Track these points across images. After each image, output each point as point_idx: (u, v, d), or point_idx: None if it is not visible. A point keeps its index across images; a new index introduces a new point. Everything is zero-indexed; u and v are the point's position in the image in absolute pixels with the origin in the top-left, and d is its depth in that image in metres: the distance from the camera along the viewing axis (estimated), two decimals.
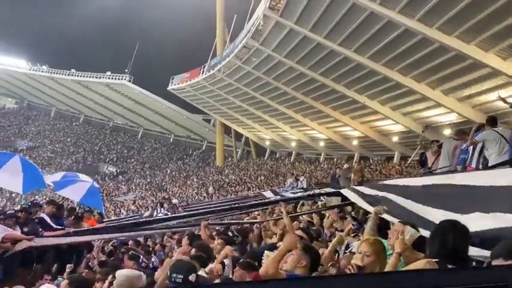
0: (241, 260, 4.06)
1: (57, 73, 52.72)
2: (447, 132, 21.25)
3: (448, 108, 20.26)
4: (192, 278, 3.21)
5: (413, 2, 15.60)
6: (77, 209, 10.91)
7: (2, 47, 56.26)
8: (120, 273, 3.74)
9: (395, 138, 27.12)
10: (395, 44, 18.22)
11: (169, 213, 10.54)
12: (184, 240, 5.84)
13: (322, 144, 34.93)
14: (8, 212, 6.77)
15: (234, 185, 33.14)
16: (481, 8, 13.91)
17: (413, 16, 16.06)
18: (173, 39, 66.23)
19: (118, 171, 50.04)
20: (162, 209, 11.25)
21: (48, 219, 7.08)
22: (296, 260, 3.25)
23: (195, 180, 39.45)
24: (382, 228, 3.89)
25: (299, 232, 4.85)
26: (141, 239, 9.79)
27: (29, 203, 8.24)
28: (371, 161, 29.58)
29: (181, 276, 3.16)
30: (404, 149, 27.07)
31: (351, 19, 18.53)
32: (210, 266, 4.38)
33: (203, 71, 37.21)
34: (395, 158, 27.59)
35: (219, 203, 18.13)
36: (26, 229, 6.33)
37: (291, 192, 14.07)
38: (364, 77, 22.02)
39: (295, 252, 3.30)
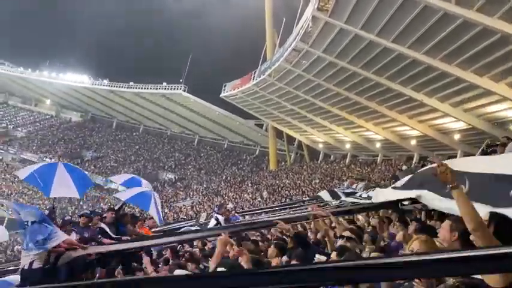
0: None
1: (116, 86, 55.55)
2: None
3: None
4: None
5: None
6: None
7: (67, 64, 60.63)
8: (180, 274, 3.81)
9: (457, 136, 25.67)
10: (453, 37, 17.23)
11: (220, 218, 10.66)
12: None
13: (378, 145, 33.85)
14: (65, 219, 7.15)
15: (288, 188, 33.01)
16: None
17: (472, 6, 15.15)
18: (224, 46, 67.75)
19: (176, 177, 51.61)
20: (215, 214, 11.38)
21: (107, 229, 7.39)
22: None
23: (249, 185, 39.76)
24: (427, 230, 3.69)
25: (347, 233, 4.77)
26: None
27: (90, 211, 8.64)
28: (431, 159, 28.15)
29: (223, 269, 3.23)
30: (467, 147, 25.54)
31: (404, 14, 17.82)
32: None
33: (254, 77, 37.49)
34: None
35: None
36: (86, 234, 6.64)
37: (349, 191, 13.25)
38: (421, 73, 21.04)
39: None
